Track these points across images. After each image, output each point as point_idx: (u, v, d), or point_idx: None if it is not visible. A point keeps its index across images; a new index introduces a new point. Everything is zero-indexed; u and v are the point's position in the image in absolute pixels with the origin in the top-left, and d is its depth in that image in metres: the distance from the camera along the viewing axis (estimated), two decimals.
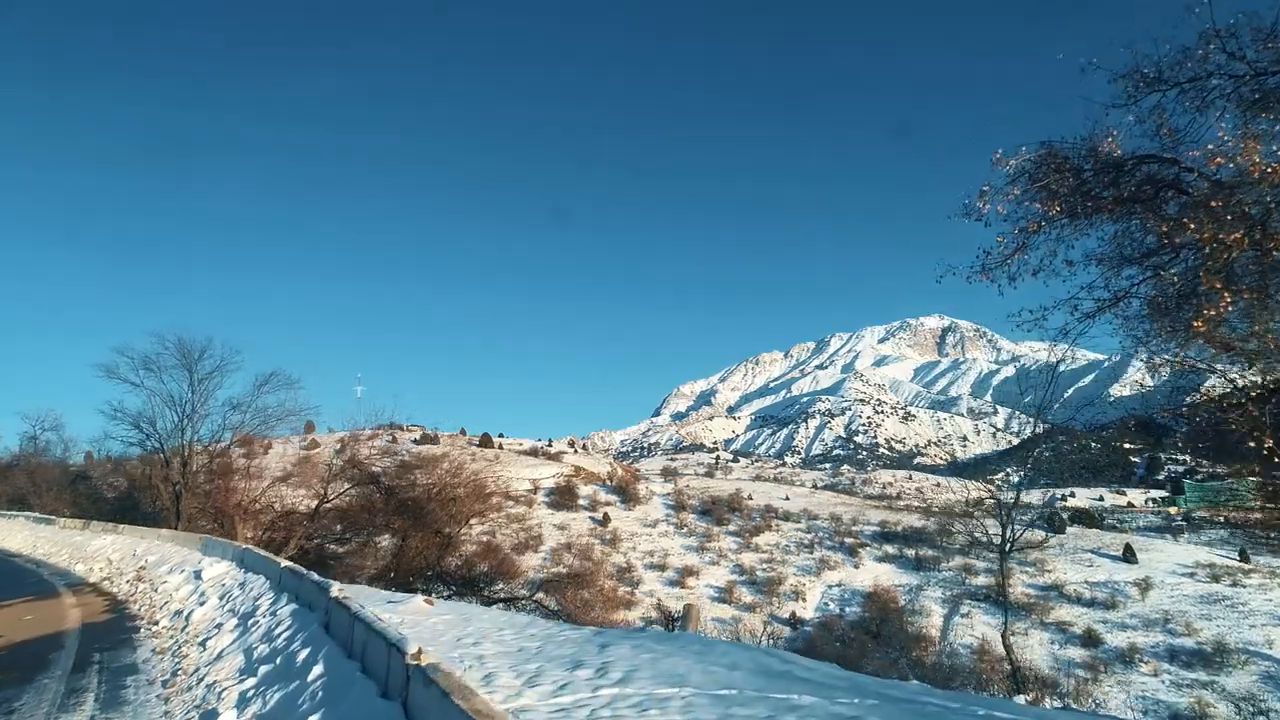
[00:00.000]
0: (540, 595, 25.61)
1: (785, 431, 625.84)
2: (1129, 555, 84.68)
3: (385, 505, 26.46)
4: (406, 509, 25.42)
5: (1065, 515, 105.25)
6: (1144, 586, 77.19)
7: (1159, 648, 67.85)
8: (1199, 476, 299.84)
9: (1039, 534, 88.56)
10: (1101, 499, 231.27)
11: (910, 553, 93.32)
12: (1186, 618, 71.39)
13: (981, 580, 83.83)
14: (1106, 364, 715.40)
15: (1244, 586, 76.69)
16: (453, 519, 25.18)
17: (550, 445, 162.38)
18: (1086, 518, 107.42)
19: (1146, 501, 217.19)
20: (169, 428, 29.53)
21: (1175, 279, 11.03)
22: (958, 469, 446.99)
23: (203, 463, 29.58)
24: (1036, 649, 70.56)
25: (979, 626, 74.89)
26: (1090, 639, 69.62)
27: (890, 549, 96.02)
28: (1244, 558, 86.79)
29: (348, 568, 24.82)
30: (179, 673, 12.11)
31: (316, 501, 27.24)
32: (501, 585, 25.90)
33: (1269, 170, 9.18)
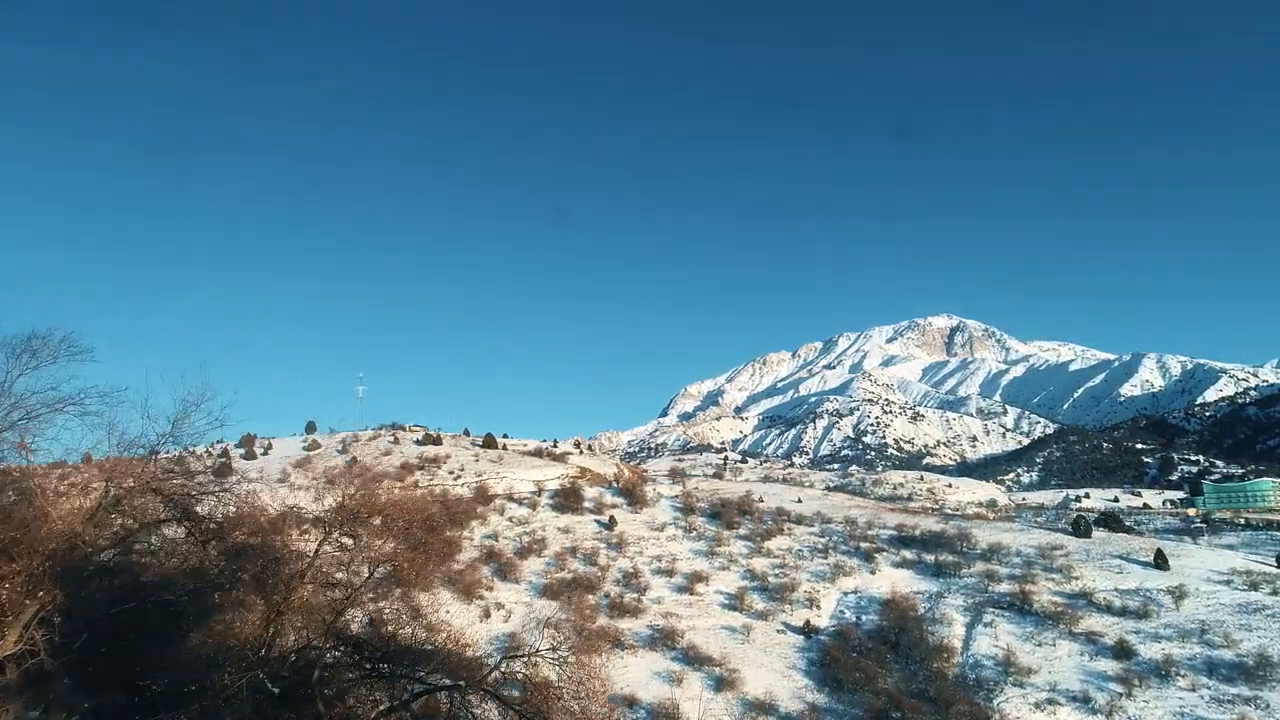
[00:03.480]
0: (512, 661, 15.97)
1: (793, 432, 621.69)
2: (1160, 561, 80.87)
3: (203, 556, 16.78)
4: (246, 556, 15.52)
5: (1090, 518, 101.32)
6: (1178, 595, 73.44)
7: (1196, 660, 64.30)
8: (1214, 477, 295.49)
9: None
10: (1116, 500, 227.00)
11: (929, 558, 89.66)
12: (1225, 628, 67.77)
13: (1005, 587, 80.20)
14: (1116, 363, 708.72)
15: None
16: (283, 585, 14.88)
17: (555, 446, 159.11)
18: (1112, 521, 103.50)
19: (1164, 503, 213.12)
20: None
21: None
22: (967, 469, 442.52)
23: None
24: (1065, 661, 67.09)
25: (1003, 636, 71.33)
26: (1122, 650, 66.05)
27: (908, 554, 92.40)
28: None
29: (193, 651, 14.56)
30: None
31: (84, 550, 16.15)
32: (435, 667, 15.88)
33: None
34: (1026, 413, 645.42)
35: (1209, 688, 60.79)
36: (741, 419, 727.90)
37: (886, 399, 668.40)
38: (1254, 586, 74.54)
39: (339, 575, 16.20)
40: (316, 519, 16.64)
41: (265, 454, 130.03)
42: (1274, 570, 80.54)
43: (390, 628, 16.99)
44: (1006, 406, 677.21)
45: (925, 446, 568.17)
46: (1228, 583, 76.61)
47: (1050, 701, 61.36)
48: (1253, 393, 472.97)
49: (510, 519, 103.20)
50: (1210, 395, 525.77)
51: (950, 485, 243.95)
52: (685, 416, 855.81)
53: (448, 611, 74.02)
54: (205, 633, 13.72)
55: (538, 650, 14.45)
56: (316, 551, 15.58)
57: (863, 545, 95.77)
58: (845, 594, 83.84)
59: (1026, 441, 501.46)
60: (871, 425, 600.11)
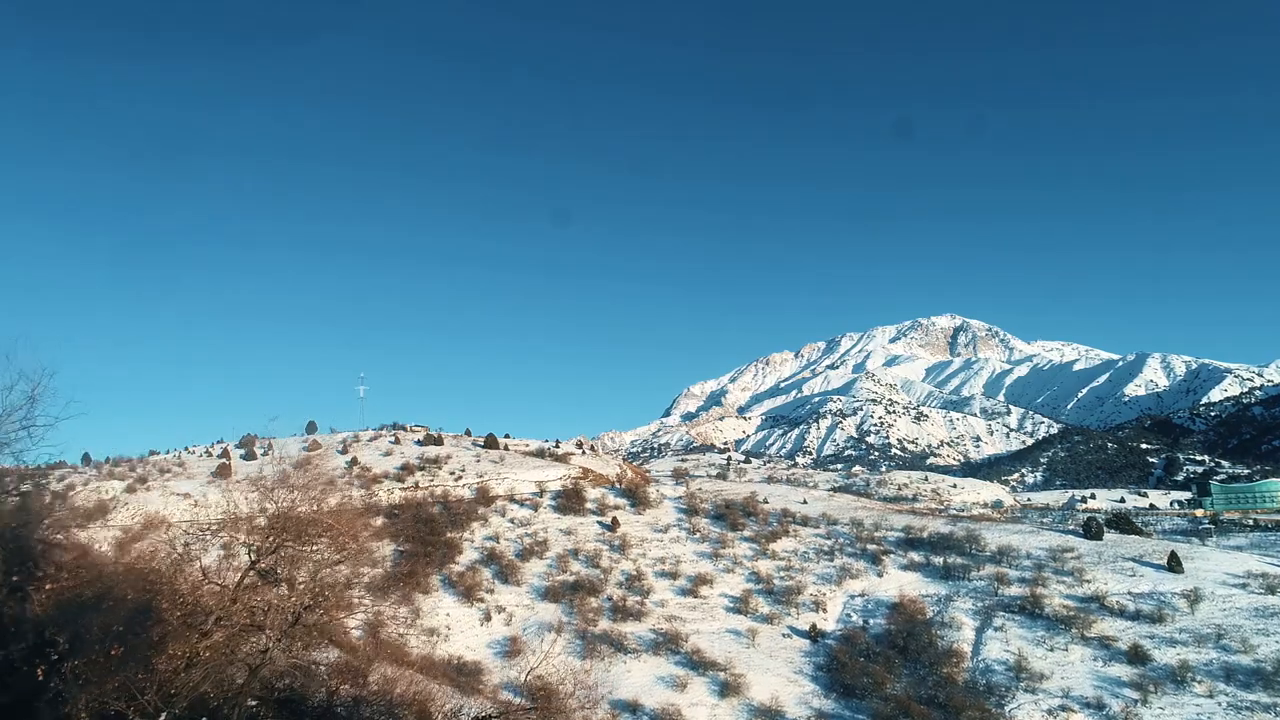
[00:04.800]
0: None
1: (796, 432, 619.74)
2: (1174, 564, 79.35)
3: (18, 609, 12.57)
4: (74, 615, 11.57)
5: (1101, 519, 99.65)
6: (1193, 598, 71.98)
7: (1213, 665, 62.90)
8: (1220, 477, 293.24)
9: None
10: (1122, 500, 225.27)
11: (938, 560, 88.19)
12: (1242, 633, 66.36)
13: (1015, 590, 78.74)
14: (1121, 363, 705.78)
15: None
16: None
17: (557, 446, 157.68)
18: (1123, 522, 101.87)
19: (1171, 504, 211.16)
20: None
21: None
22: (971, 469, 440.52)
23: None
24: (1078, 666, 65.71)
25: (1014, 641, 69.97)
26: (1137, 655, 64.69)
27: (916, 556, 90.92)
28: None
29: None
30: None
31: None
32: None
33: None
34: (1030, 413, 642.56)
35: (1226, 694, 59.43)
36: (744, 419, 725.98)
37: (890, 399, 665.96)
38: (1271, 590, 73.00)
39: (262, 617, 12.48)
40: (240, 542, 12.90)
41: (265, 454, 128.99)
42: None
43: (330, 682, 13.67)
44: (1010, 406, 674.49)
45: (929, 447, 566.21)
46: (1244, 586, 75.10)
47: (1063, 708, 60.02)
48: (1258, 393, 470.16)
49: (512, 520, 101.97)
50: (1215, 395, 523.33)
51: (955, 486, 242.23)
52: (688, 416, 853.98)
53: (448, 618, 72.38)
54: (87, 695, 9.94)
55: (514, 708, 12.20)
56: (238, 586, 12.18)
57: (869, 547, 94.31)
58: (852, 597, 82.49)
59: (1030, 442, 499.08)
60: (875, 425, 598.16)
